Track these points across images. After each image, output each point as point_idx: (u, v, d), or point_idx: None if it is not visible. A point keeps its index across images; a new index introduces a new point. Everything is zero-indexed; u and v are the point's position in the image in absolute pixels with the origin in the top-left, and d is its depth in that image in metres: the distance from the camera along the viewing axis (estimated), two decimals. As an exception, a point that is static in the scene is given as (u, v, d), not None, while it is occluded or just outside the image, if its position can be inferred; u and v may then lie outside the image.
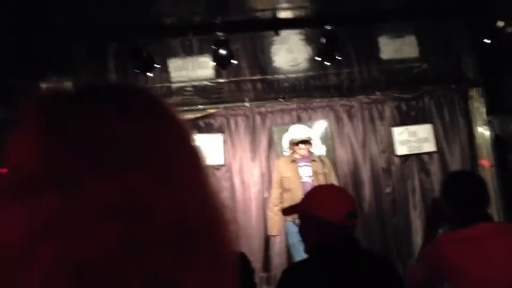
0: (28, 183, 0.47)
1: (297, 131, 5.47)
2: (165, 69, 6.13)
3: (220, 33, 5.44)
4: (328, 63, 5.92)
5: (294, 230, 4.67)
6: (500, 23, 5.28)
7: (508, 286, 2.05)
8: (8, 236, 0.46)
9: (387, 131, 6.31)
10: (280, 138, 6.08)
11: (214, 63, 5.74)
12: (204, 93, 6.26)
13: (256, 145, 6.21)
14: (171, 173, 0.51)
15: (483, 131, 6.29)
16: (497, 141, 6.18)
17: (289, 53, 6.20)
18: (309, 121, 6.19)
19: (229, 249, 0.54)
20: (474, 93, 6.37)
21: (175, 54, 6.15)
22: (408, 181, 6.28)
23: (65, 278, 0.44)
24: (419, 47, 6.39)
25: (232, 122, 6.29)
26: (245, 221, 5.91)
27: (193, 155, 0.56)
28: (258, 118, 6.30)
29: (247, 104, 6.27)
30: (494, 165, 6.13)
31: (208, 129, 6.22)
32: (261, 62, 6.29)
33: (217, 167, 6.02)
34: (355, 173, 6.23)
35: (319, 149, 6.02)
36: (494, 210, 5.70)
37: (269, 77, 6.33)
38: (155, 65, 5.73)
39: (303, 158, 5.32)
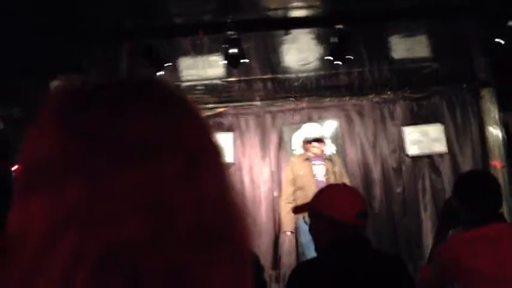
0: (49, 172, 0.47)
1: (310, 129, 5.47)
2: (175, 68, 6.15)
3: (231, 32, 5.44)
4: (339, 63, 5.90)
5: (305, 228, 4.66)
6: (513, 23, 5.24)
7: (520, 287, 2.03)
8: (29, 226, 0.46)
9: (398, 130, 6.28)
10: (291, 138, 6.07)
11: (225, 62, 5.74)
12: (215, 92, 6.27)
13: (266, 144, 6.21)
14: (194, 166, 0.50)
15: (495, 132, 6.24)
16: (510, 141, 6.13)
17: (300, 52, 6.18)
18: (319, 120, 6.17)
19: (247, 246, 0.54)
20: (486, 93, 6.32)
21: (186, 53, 6.17)
22: (419, 181, 6.24)
23: (86, 268, 0.43)
24: (430, 46, 6.35)
25: (242, 121, 6.30)
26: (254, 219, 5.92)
27: (215, 149, 0.56)
28: (268, 117, 6.30)
29: (257, 103, 6.27)
30: (506, 166, 6.08)
31: (218, 128, 6.23)
32: (272, 61, 6.29)
33: (227, 166, 6.03)
34: (365, 173, 6.21)
35: (329, 148, 6.01)
36: (505, 210, 5.66)
37: (280, 76, 6.32)
38: (166, 64, 5.74)
39: (316, 156, 5.32)
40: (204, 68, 6.19)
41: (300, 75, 6.31)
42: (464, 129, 6.32)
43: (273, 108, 6.30)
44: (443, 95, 6.35)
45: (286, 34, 5.64)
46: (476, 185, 2.32)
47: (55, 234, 0.44)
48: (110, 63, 5.92)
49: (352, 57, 5.78)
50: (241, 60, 5.62)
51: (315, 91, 6.32)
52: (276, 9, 5.54)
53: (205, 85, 6.26)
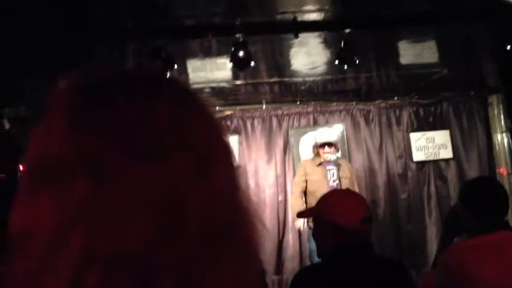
0: (57, 170, 0.46)
1: (322, 134, 5.46)
2: (183, 70, 6.15)
3: (240, 35, 5.44)
4: (347, 67, 5.89)
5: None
6: (522, 30, 5.22)
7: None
8: (36, 224, 0.45)
9: (404, 136, 6.27)
10: (297, 141, 6.07)
11: (233, 65, 5.75)
12: (222, 94, 6.27)
13: (272, 147, 6.21)
14: (205, 164, 0.49)
15: (502, 139, 6.21)
16: (517, 149, 6.10)
17: (308, 56, 6.16)
18: (325, 124, 6.17)
19: (255, 247, 0.54)
20: (494, 99, 6.30)
21: (194, 56, 6.18)
22: (424, 187, 6.23)
23: (95, 268, 0.43)
24: (439, 52, 6.32)
25: (248, 123, 6.30)
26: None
27: (226, 148, 0.55)
28: (274, 120, 6.30)
29: (264, 106, 6.27)
30: (513, 173, 6.06)
31: (225, 130, 6.23)
32: (279, 64, 6.28)
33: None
34: (370, 178, 6.20)
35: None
36: (511, 218, 5.62)
37: (287, 79, 6.31)
38: (174, 66, 5.75)
39: (328, 161, 5.30)
40: (212, 71, 6.19)
41: (307, 79, 6.30)
42: (470, 135, 6.29)
43: (279, 112, 6.31)
44: (451, 101, 6.33)
45: (296, 37, 5.63)
46: (482, 192, 2.31)
47: (63, 234, 0.44)
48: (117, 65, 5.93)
49: (359, 62, 5.76)
50: (249, 63, 5.62)
51: (321, 95, 6.32)
52: (285, 12, 5.54)
53: (213, 88, 6.27)
